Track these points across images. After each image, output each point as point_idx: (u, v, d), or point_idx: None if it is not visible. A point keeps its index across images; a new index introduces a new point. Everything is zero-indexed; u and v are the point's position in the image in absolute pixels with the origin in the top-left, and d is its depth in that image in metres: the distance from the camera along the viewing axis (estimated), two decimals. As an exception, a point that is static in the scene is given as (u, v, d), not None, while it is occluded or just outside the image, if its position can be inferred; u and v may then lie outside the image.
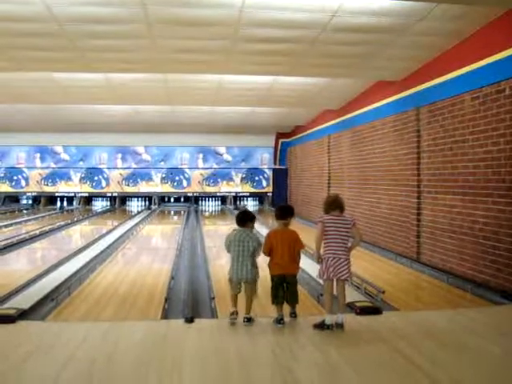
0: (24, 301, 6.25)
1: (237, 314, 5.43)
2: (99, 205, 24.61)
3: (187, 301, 6.29)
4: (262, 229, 13.56)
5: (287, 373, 4.10)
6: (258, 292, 5.58)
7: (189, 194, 24.28)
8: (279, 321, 5.32)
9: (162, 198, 24.89)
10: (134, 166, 23.86)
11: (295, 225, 5.93)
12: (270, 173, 24.17)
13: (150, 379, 3.97)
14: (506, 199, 7.03)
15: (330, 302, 5.27)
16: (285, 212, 5.64)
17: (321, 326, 5.17)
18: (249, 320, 5.38)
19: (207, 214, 22.64)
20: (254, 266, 5.50)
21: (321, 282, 5.63)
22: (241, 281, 5.48)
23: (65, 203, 24.56)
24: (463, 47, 8.26)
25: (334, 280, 5.30)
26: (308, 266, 7.93)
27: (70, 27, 7.73)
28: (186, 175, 24.04)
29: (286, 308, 5.50)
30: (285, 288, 5.41)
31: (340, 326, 5.17)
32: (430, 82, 9.31)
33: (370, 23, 7.59)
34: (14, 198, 24.31)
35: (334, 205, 5.40)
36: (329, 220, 5.28)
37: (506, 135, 7.03)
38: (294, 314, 5.48)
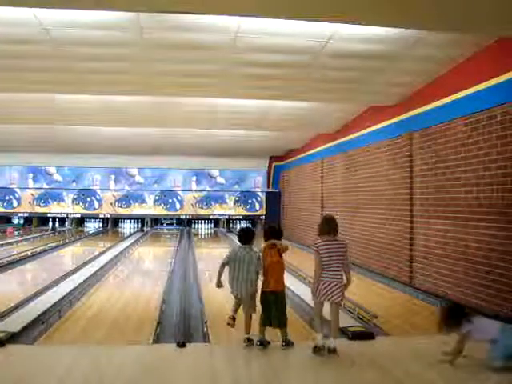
0: (14, 323, 6.18)
1: (234, 319, 5.40)
2: (91, 226, 24.52)
3: (179, 325, 6.25)
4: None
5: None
6: (256, 309, 5.54)
7: (182, 217, 24.24)
8: (262, 343, 5.30)
9: (155, 220, 24.84)
10: (127, 187, 23.82)
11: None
12: (263, 196, 24.18)
13: (141, 404, 3.92)
14: (497, 224, 7.06)
15: (319, 324, 5.27)
16: (267, 234, 5.63)
17: (315, 349, 5.16)
18: (249, 340, 5.38)
19: (200, 236, 22.57)
20: (253, 282, 5.45)
21: (311, 304, 5.59)
22: (239, 296, 5.46)
23: (57, 224, 24.45)
24: (455, 74, 8.36)
25: (327, 303, 5.28)
26: (299, 288, 7.93)
27: (66, 49, 7.77)
28: (178, 197, 24.01)
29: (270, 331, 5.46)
30: (273, 308, 5.35)
31: (333, 350, 5.13)
32: (423, 108, 9.41)
33: (364, 49, 7.69)
34: (5, 219, 24.17)
35: (329, 227, 5.40)
36: (323, 246, 5.26)
37: (498, 160, 7.09)
38: (284, 343, 5.33)
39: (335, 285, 5.20)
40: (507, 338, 4.71)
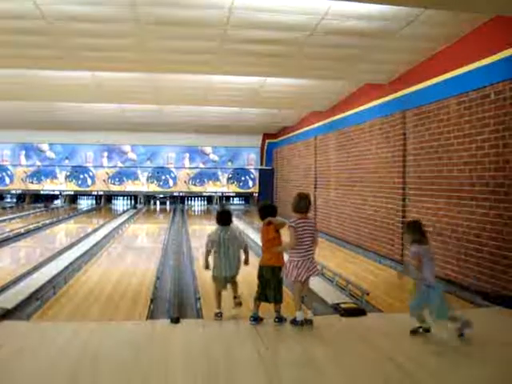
0: (8, 300, 6.22)
1: (221, 315, 5.61)
2: (85, 203, 24.47)
3: (173, 301, 6.31)
4: (248, 230, 13.62)
5: (273, 372, 4.14)
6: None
7: (175, 194, 24.24)
8: (255, 319, 5.43)
9: (148, 197, 24.81)
10: (119, 164, 23.76)
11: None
12: (256, 173, 24.20)
13: (136, 379, 3.98)
14: (489, 203, 7.12)
15: (299, 301, 5.46)
16: (262, 213, 5.74)
17: (293, 322, 5.36)
18: (236, 297, 5.73)
19: (193, 213, 22.62)
20: (240, 262, 5.76)
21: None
22: (227, 277, 5.66)
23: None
24: (449, 52, 8.34)
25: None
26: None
27: (58, 25, 7.68)
28: (172, 175, 23.98)
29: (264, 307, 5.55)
30: (271, 284, 5.45)
31: (310, 321, 5.32)
32: (417, 86, 9.40)
33: (358, 27, 7.64)
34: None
35: (306, 204, 5.54)
36: (300, 224, 5.39)
37: (491, 139, 7.12)
38: (277, 319, 5.45)
39: (310, 261, 5.41)
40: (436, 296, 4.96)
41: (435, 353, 4.63)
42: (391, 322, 5.72)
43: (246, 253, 5.84)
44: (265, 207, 5.81)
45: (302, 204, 5.52)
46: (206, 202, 24.96)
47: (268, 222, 5.58)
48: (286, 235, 5.65)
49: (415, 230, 5.25)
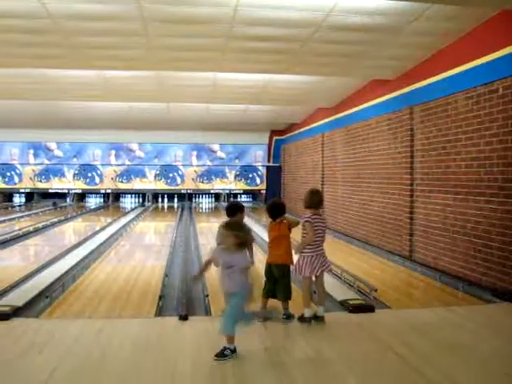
0: (18, 298, 6.24)
1: None
2: (93, 201, 24.58)
3: (181, 298, 6.33)
4: (256, 226, 13.62)
5: (280, 369, 4.14)
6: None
7: (182, 191, 24.28)
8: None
9: (156, 195, 24.87)
10: (127, 162, 23.83)
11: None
12: (263, 170, 24.20)
13: (144, 377, 4.00)
14: (497, 198, 7.09)
15: (308, 297, 5.45)
16: (273, 212, 5.64)
17: (301, 319, 5.35)
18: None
19: (201, 210, 22.66)
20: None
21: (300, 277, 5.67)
22: None
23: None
24: (457, 47, 8.30)
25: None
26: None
27: (64, 24, 7.70)
28: (179, 172, 24.03)
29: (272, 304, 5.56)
30: (280, 281, 5.44)
31: (321, 318, 5.29)
32: (424, 82, 9.36)
33: (364, 22, 7.62)
34: (7, 195, 24.22)
35: (318, 199, 5.56)
36: (315, 219, 5.41)
37: (499, 135, 7.08)
38: (285, 316, 5.41)
39: (323, 256, 5.43)
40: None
41: (445, 349, 4.62)
42: (399, 319, 5.71)
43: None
44: (275, 206, 5.74)
45: (315, 199, 5.53)
46: (213, 200, 25.01)
47: (280, 220, 5.56)
48: (294, 233, 5.66)
49: (235, 227, 4.58)
